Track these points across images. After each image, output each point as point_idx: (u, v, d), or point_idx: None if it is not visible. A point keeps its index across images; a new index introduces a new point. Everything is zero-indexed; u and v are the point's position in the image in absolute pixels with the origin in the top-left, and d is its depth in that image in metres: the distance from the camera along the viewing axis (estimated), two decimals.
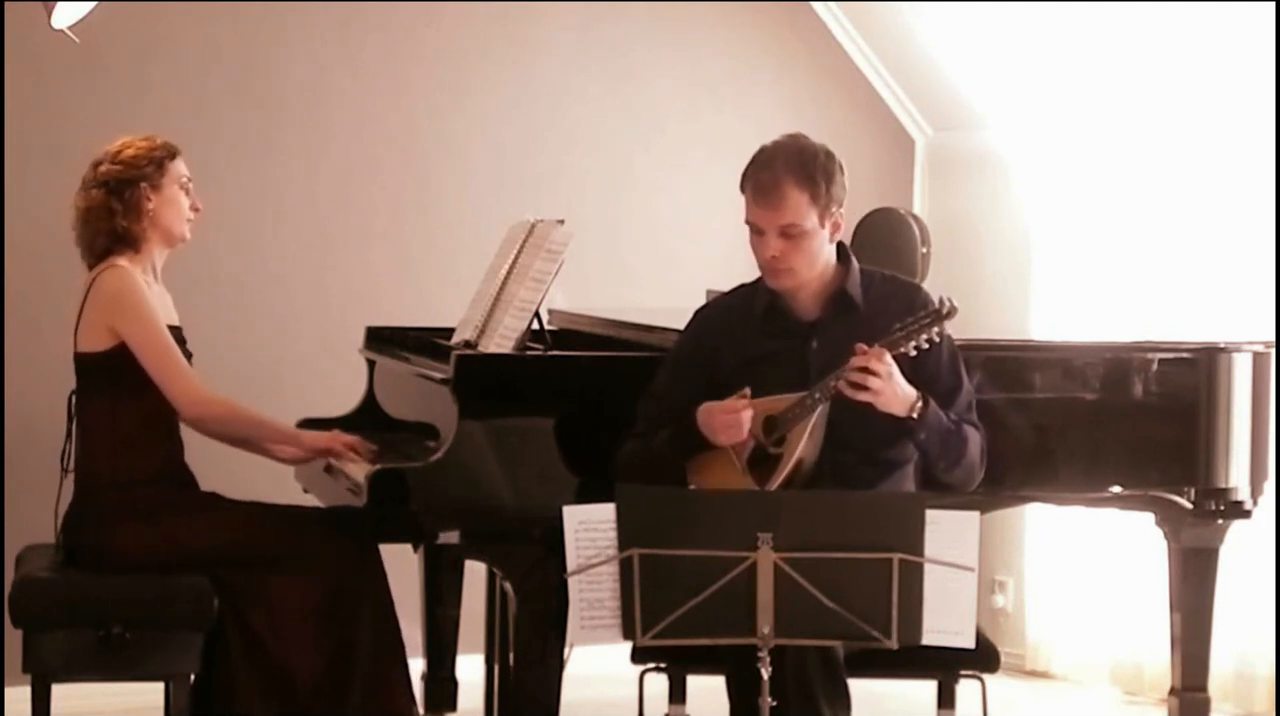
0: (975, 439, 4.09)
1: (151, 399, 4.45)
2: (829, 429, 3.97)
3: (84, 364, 4.50)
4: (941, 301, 3.89)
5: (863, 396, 3.87)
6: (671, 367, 4.23)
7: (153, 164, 4.54)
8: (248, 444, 4.62)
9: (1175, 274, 5.95)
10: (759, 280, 4.17)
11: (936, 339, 3.88)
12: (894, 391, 3.89)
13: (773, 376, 4.04)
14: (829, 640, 3.73)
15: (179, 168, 4.59)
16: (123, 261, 4.50)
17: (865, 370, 3.85)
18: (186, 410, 4.46)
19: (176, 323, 4.59)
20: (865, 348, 3.86)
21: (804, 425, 3.94)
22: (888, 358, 3.86)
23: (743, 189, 4.10)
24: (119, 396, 4.45)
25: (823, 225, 4.04)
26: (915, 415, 3.94)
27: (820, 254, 4.07)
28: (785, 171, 4.02)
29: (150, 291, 4.51)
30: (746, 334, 4.14)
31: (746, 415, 3.95)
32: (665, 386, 4.20)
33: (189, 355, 4.58)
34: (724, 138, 6.52)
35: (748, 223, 4.08)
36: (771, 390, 4.00)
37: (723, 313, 4.24)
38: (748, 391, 3.98)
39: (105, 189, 4.52)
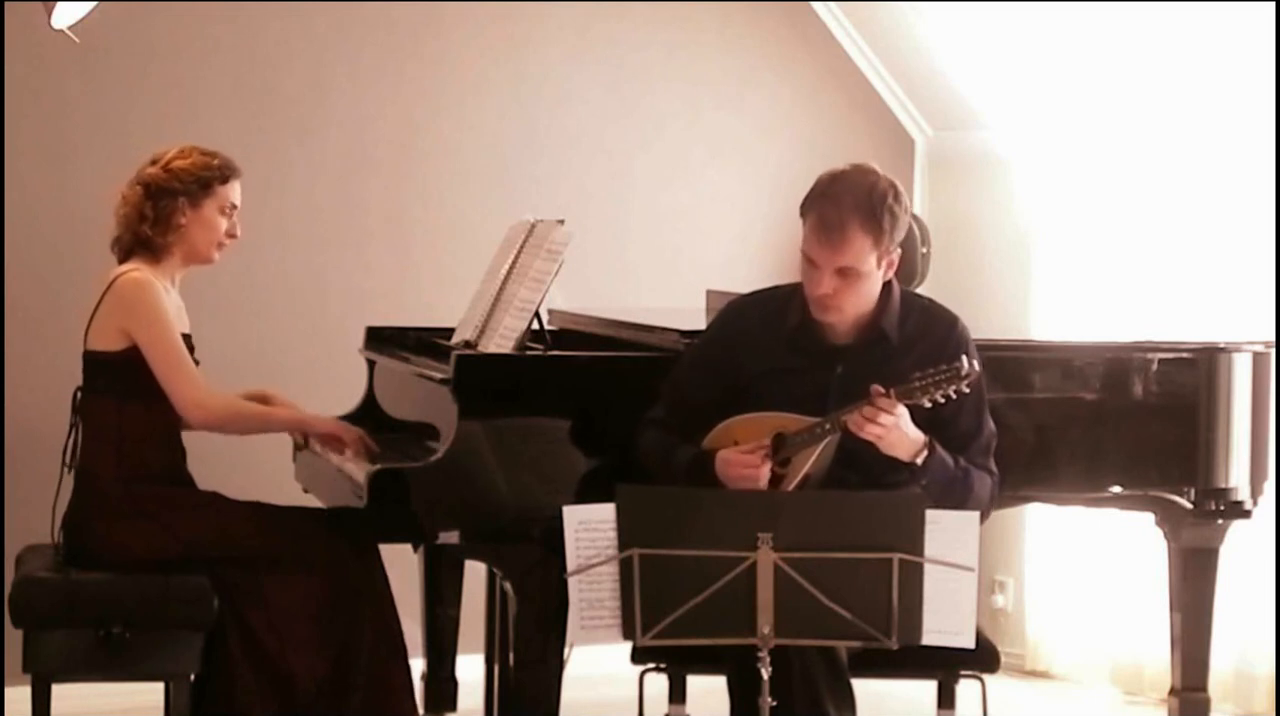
0: (985, 485, 4.05)
1: (156, 405, 4.45)
2: (837, 449, 3.94)
3: (92, 362, 4.51)
4: (964, 362, 3.82)
5: (868, 436, 3.85)
6: (694, 361, 4.21)
7: (198, 183, 4.51)
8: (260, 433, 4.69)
9: (1175, 274, 5.94)
10: (796, 288, 4.10)
11: (953, 396, 3.82)
12: (900, 437, 3.86)
13: (793, 392, 4.01)
14: (829, 640, 3.73)
15: (227, 192, 4.55)
16: (144, 267, 4.50)
17: (876, 416, 3.82)
18: (192, 416, 4.46)
19: (188, 330, 4.58)
20: (881, 390, 3.82)
21: (811, 451, 3.92)
22: (900, 407, 3.83)
23: (803, 216, 3.98)
24: (125, 399, 4.45)
25: (879, 266, 3.97)
26: (919, 462, 3.91)
27: (872, 293, 4.00)
28: (852, 212, 3.91)
29: (168, 298, 4.50)
30: (774, 344, 4.09)
31: (765, 471, 3.92)
32: (685, 377, 4.18)
33: (196, 363, 4.58)
34: (724, 138, 6.53)
35: (803, 253, 3.98)
36: (790, 405, 3.98)
37: (754, 316, 4.16)
38: (769, 442, 3.94)
39: (144, 191, 4.51)
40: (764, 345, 4.10)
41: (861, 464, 3.96)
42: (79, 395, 4.54)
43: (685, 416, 4.11)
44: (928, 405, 3.84)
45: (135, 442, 4.46)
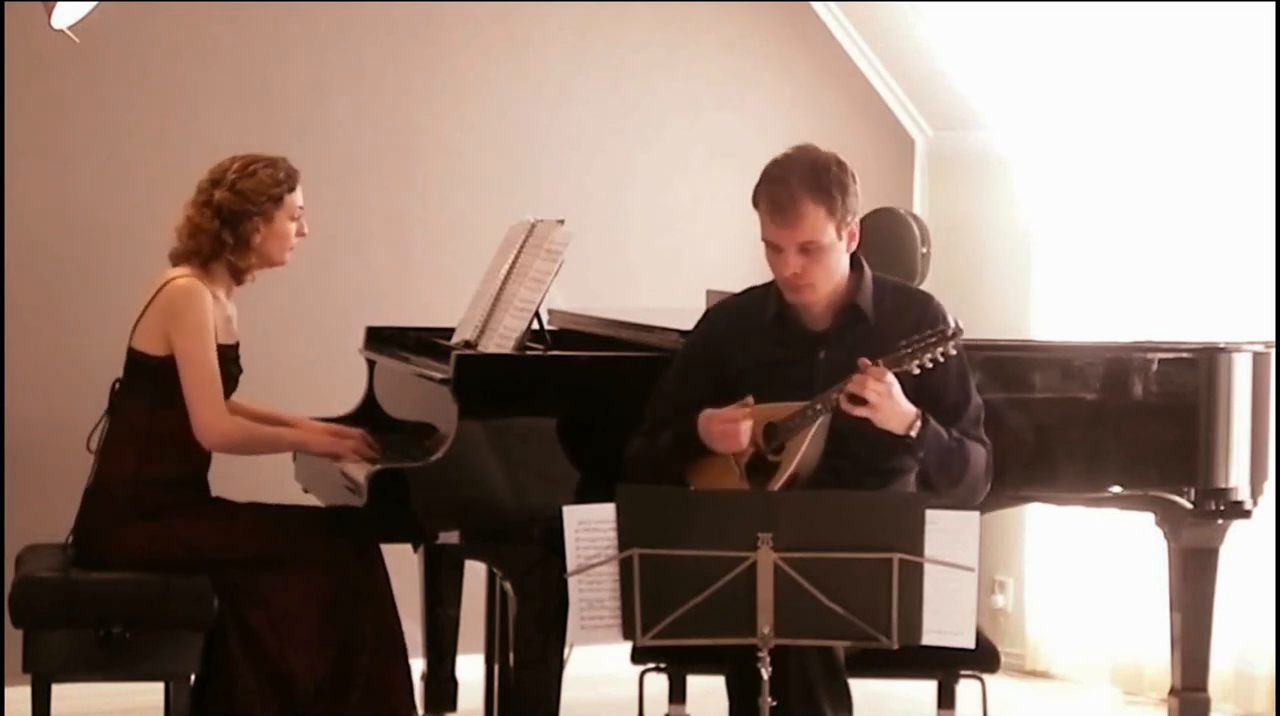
0: (980, 456, 4.06)
1: (186, 415, 4.44)
2: (830, 437, 3.96)
3: (134, 362, 4.51)
4: (949, 322, 3.86)
5: (860, 411, 3.85)
6: (680, 366, 4.22)
7: (271, 200, 4.50)
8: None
9: (1175, 274, 5.94)
10: (771, 284, 4.14)
11: (941, 359, 3.85)
12: (892, 408, 3.87)
13: (779, 383, 4.02)
14: (829, 640, 3.73)
15: (295, 199, 4.55)
16: (197, 273, 4.48)
17: (865, 386, 3.83)
18: (206, 438, 4.44)
19: (235, 341, 4.58)
20: (868, 362, 3.84)
21: (803, 435, 3.93)
22: (889, 376, 3.84)
23: (755, 206, 4.04)
24: (159, 403, 4.44)
25: (840, 237, 4.01)
26: (913, 433, 3.92)
27: (840, 266, 4.05)
28: (800, 187, 3.97)
29: (219, 307, 4.49)
30: (756, 338, 4.12)
31: (745, 426, 3.93)
32: (673, 385, 4.19)
33: (240, 372, 4.58)
34: (724, 138, 6.53)
35: (764, 240, 4.02)
36: (777, 396, 3.99)
37: (734, 314, 4.21)
38: (750, 400, 3.96)
39: (219, 218, 4.49)
40: (747, 341, 4.13)
41: (852, 451, 3.98)
42: (115, 387, 4.54)
43: (675, 419, 4.11)
44: (916, 371, 3.85)
45: (160, 447, 4.45)
